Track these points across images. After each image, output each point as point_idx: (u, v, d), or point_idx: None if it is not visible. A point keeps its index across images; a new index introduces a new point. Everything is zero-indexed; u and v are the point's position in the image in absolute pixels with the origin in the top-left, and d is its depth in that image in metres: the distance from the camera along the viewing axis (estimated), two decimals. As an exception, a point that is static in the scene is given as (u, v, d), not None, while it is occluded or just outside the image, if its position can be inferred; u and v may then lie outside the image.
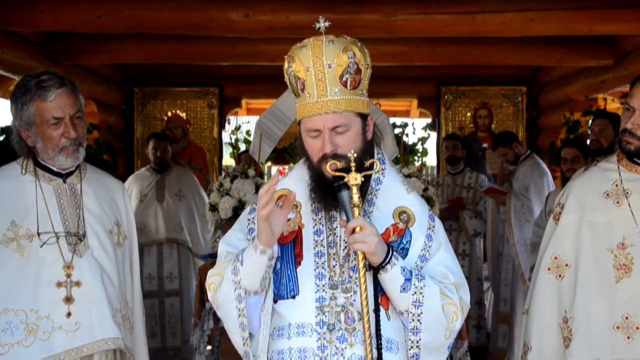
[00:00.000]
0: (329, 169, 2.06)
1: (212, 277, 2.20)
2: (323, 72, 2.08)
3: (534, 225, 5.60)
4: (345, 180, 2.03)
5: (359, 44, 2.14)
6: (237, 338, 2.16)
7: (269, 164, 11.81)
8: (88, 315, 2.68)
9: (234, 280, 2.10)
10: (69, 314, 2.66)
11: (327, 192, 2.11)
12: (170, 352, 6.56)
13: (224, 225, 5.18)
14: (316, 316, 2.11)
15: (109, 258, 2.80)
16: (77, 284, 2.69)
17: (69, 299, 2.67)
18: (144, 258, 6.41)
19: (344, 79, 2.09)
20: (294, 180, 2.29)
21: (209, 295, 2.22)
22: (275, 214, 2.04)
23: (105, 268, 2.77)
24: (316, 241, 2.18)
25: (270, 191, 2.00)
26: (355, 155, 2.04)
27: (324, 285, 2.13)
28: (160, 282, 6.48)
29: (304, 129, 2.14)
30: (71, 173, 2.82)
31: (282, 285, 2.16)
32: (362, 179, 2.04)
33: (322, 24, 2.13)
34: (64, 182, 2.79)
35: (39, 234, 2.67)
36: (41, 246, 2.67)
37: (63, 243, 2.70)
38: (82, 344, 2.65)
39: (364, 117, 2.15)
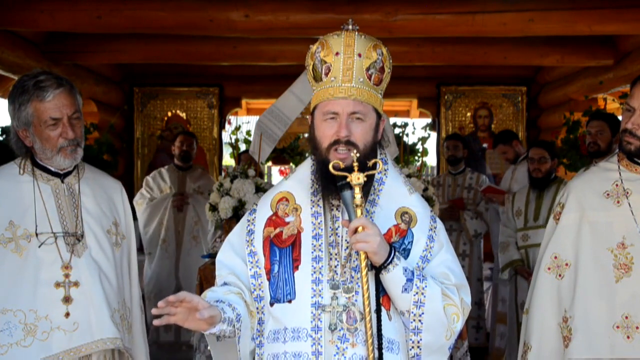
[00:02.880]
0: (331, 168, 2.06)
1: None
2: (352, 59, 2.11)
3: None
4: (348, 179, 2.03)
5: (386, 48, 2.19)
6: None
7: (269, 164, 11.81)
8: (86, 315, 2.67)
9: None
10: (67, 314, 2.65)
11: (331, 182, 2.11)
12: (183, 346, 6.58)
13: (224, 225, 5.18)
14: (311, 321, 2.11)
15: (107, 258, 2.79)
16: (76, 284, 2.68)
17: (67, 299, 2.66)
18: (163, 251, 6.42)
19: (369, 72, 2.13)
20: (296, 183, 2.29)
21: None
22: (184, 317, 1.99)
23: (104, 268, 2.77)
24: (314, 245, 2.17)
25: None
26: (357, 155, 2.04)
27: (320, 290, 2.13)
28: (178, 280, 6.48)
29: (320, 112, 2.15)
30: (69, 173, 2.81)
31: (279, 288, 2.16)
32: (365, 179, 2.04)
33: (351, 27, 2.17)
34: (62, 182, 2.79)
35: (37, 234, 2.66)
36: (39, 246, 2.66)
37: (61, 243, 2.70)
38: (81, 344, 2.65)
39: (378, 115, 2.18)
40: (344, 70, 2.12)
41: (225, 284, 2.24)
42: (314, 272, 2.14)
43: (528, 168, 5.39)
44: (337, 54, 2.12)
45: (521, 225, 5.35)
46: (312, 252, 2.16)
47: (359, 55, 2.12)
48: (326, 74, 2.14)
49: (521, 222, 5.35)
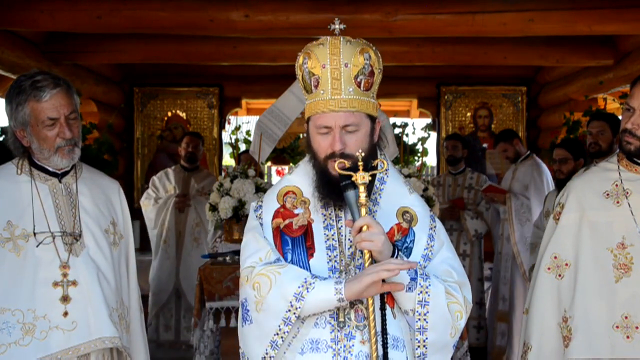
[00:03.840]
0: (336, 167, 2.05)
1: (261, 274, 2.11)
2: (339, 71, 2.09)
3: (534, 226, 5.60)
4: (353, 179, 2.03)
5: (373, 48, 2.16)
6: (258, 348, 2.13)
7: (269, 164, 11.81)
8: (85, 314, 2.67)
9: (291, 303, 2.04)
10: (65, 314, 2.65)
11: (332, 190, 2.12)
12: (183, 346, 6.58)
13: (224, 225, 5.18)
14: None
15: (105, 257, 2.79)
16: (74, 283, 2.68)
17: (65, 299, 2.66)
18: (164, 252, 6.42)
19: (358, 80, 2.11)
20: (301, 177, 2.28)
21: (250, 292, 2.13)
22: (376, 285, 2.00)
23: (102, 267, 2.77)
24: (327, 235, 2.18)
25: (399, 268, 1.99)
26: (362, 154, 2.04)
27: (337, 278, 2.11)
28: (179, 280, 6.48)
29: (314, 125, 2.14)
30: (67, 173, 2.81)
31: None
32: (370, 178, 2.04)
33: (337, 26, 2.16)
34: (60, 181, 2.79)
35: (35, 233, 2.66)
36: (37, 246, 2.66)
37: (59, 243, 2.70)
38: (79, 343, 2.64)
39: (372, 119, 2.17)
40: (332, 81, 2.09)
41: (279, 259, 2.16)
42: (330, 260, 2.15)
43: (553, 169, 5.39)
44: (323, 66, 2.10)
45: None
46: (326, 242, 2.17)
47: (346, 65, 2.09)
48: (315, 87, 2.13)
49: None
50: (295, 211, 2.23)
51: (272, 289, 2.08)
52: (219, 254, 5.11)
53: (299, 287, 2.05)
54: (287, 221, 2.22)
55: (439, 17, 5.28)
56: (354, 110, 2.10)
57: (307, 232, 2.19)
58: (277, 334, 2.08)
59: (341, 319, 2.10)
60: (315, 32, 5.25)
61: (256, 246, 2.20)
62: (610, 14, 5.21)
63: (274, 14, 5.28)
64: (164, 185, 6.57)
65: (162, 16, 5.25)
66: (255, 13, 5.27)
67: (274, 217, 2.24)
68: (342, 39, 2.12)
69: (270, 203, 2.27)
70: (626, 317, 2.57)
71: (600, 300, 2.60)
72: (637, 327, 2.55)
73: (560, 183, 5.25)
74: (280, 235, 2.20)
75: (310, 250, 2.16)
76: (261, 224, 2.25)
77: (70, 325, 2.65)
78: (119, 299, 2.83)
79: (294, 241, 2.19)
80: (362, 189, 2.03)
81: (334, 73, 2.09)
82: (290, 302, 2.05)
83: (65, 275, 2.68)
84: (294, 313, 2.05)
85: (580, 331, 2.61)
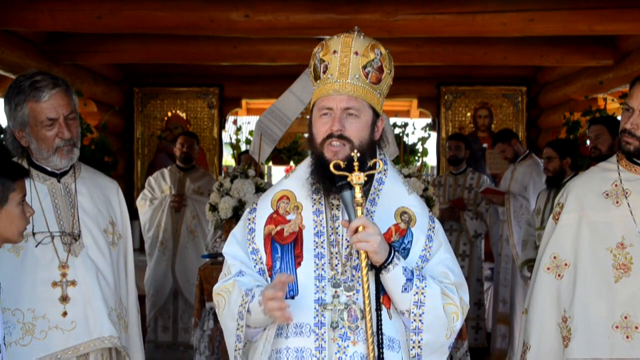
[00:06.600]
0: (332, 168, 2.06)
1: (217, 294, 2.22)
2: (348, 57, 2.15)
3: (525, 223, 5.62)
4: (349, 179, 2.04)
5: (387, 49, 2.21)
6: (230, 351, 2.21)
7: (269, 164, 11.82)
8: (84, 314, 2.69)
9: (238, 322, 2.12)
10: (65, 313, 2.66)
11: (326, 176, 2.12)
12: (180, 347, 6.58)
13: (224, 226, 5.18)
14: (315, 317, 2.11)
15: (104, 257, 2.80)
16: (73, 283, 2.69)
17: (64, 298, 2.67)
18: (161, 253, 6.43)
19: (366, 70, 2.16)
20: (296, 181, 2.30)
21: (216, 309, 2.26)
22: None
23: (100, 267, 2.78)
24: (316, 242, 2.19)
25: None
26: (358, 154, 2.05)
27: (323, 287, 2.14)
28: (175, 277, 6.48)
29: (317, 108, 2.18)
30: (65, 173, 2.82)
31: None
32: (365, 178, 2.05)
33: (356, 33, 2.20)
34: (59, 181, 2.80)
35: (34, 233, 2.67)
36: (36, 246, 2.67)
37: (58, 243, 2.71)
38: (79, 342, 2.66)
39: (376, 114, 2.19)
40: (340, 67, 2.15)
41: (241, 272, 2.22)
42: (317, 269, 2.15)
43: None
44: (334, 52, 2.16)
45: (538, 224, 5.33)
46: (315, 249, 2.18)
47: (356, 53, 2.15)
48: (324, 72, 2.18)
49: (539, 221, 5.34)
50: (288, 217, 2.24)
51: (225, 308, 2.18)
52: (218, 254, 5.11)
53: (239, 306, 2.11)
54: (278, 227, 2.24)
55: (439, 17, 5.28)
56: (357, 96, 2.13)
57: (297, 239, 2.20)
58: (236, 349, 2.16)
59: (334, 320, 2.10)
60: (315, 32, 5.26)
61: (230, 260, 2.26)
62: (610, 14, 5.20)
63: (274, 14, 5.28)
64: (159, 185, 6.57)
65: (162, 16, 5.24)
66: (255, 13, 5.26)
67: (267, 223, 2.26)
68: (356, 33, 2.18)
69: (265, 208, 2.29)
70: (626, 317, 2.57)
71: (599, 300, 2.61)
72: (636, 327, 2.56)
73: (549, 181, 5.27)
74: (271, 243, 2.22)
75: (298, 259, 2.18)
76: (253, 229, 2.26)
77: (69, 325, 2.66)
78: (117, 299, 2.84)
79: (283, 249, 2.21)
80: (357, 189, 2.04)
81: (343, 59, 2.15)
82: (237, 320, 2.12)
83: (64, 275, 2.69)
84: (242, 331, 2.11)
85: (579, 331, 2.61)
